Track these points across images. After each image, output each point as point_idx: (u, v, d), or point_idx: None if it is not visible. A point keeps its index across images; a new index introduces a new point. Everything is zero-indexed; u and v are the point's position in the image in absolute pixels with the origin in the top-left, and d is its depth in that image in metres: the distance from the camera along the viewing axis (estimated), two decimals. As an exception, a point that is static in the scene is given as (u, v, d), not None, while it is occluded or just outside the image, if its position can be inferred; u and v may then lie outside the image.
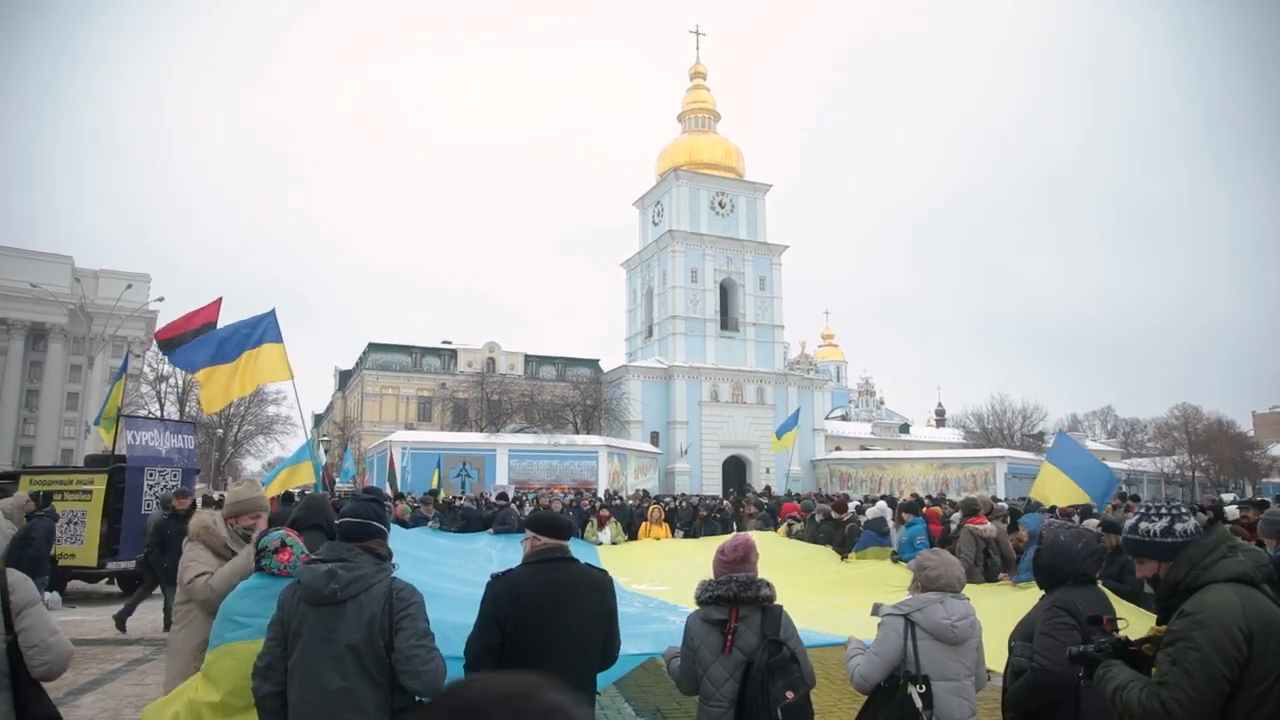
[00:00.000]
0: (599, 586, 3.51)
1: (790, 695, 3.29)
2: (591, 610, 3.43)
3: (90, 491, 13.04)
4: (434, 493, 19.55)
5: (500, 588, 3.35)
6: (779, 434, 25.42)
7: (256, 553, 3.70)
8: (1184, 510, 2.72)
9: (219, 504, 12.58)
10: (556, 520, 3.61)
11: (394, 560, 3.26)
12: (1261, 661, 2.36)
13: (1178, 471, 60.94)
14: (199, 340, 9.33)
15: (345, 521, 3.16)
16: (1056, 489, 11.66)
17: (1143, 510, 2.78)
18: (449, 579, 7.48)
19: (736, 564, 3.57)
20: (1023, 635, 3.39)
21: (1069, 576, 3.35)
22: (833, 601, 6.71)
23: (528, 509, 15.73)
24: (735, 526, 16.04)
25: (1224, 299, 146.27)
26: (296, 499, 11.09)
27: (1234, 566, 2.49)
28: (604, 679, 4.75)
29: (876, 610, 3.81)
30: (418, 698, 3.05)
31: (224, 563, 4.43)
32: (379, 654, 2.93)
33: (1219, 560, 2.51)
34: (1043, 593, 3.48)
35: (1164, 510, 2.73)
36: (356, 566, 3.03)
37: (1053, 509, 11.82)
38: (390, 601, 2.99)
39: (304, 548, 3.69)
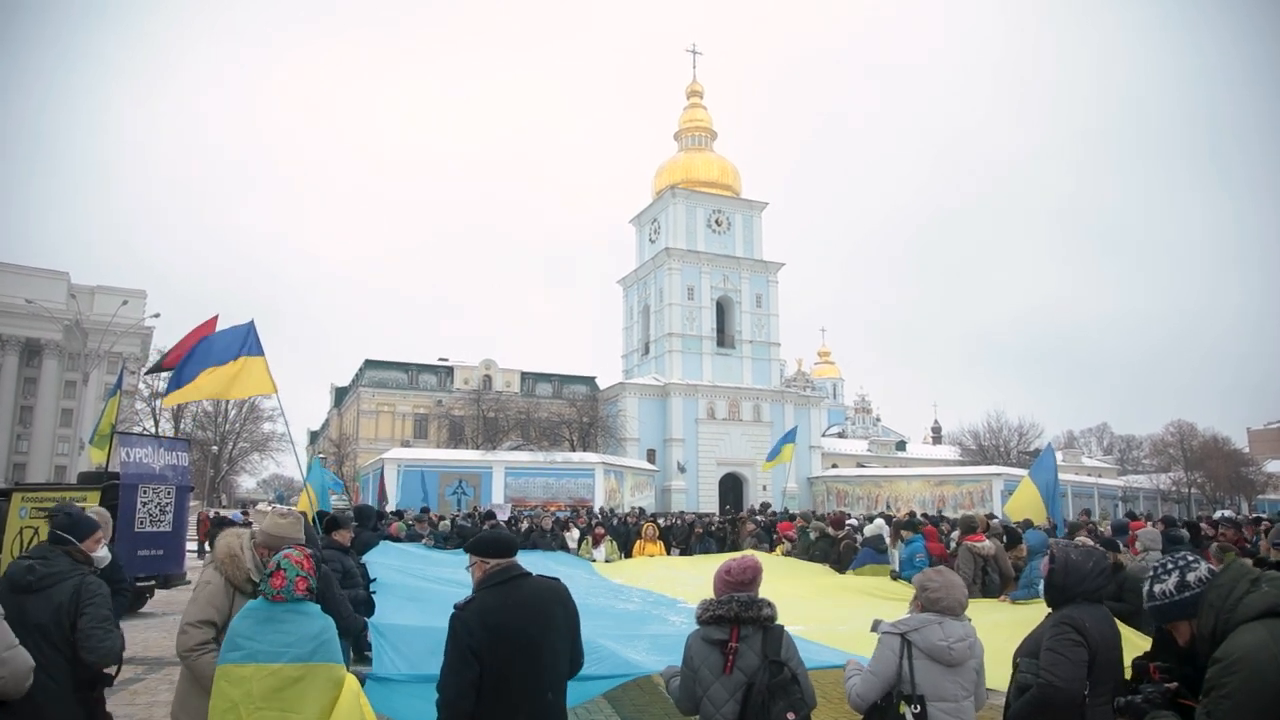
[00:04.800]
0: (560, 596, 3.51)
1: (791, 716, 3.25)
2: (558, 621, 3.43)
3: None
4: (426, 510, 19.48)
5: (470, 617, 3.24)
6: (770, 456, 23.90)
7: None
8: (1191, 558, 2.57)
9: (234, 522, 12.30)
10: (499, 538, 3.55)
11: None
12: None
13: (1174, 488, 60.91)
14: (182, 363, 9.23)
15: (51, 531, 4.04)
16: (1022, 504, 11.36)
17: (1152, 573, 2.62)
18: (436, 580, 7.45)
19: (743, 585, 3.52)
20: (1028, 652, 3.37)
21: (1079, 595, 3.35)
22: (833, 612, 6.66)
23: (524, 525, 15.65)
24: (732, 545, 15.94)
25: (1221, 316, 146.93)
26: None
27: (1260, 601, 2.29)
28: (594, 689, 4.68)
29: (875, 627, 3.77)
30: None
31: (243, 600, 3.96)
32: (64, 634, 3.73)
33: (1242, 597, 2.33)
34: (1047, 610, 3.46)
35: (1170, 565, 2.58)
36: (53, 564, 3.88)
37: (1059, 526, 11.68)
38: (79, 593, 3.79)
39: (300, 570, 3.56)
